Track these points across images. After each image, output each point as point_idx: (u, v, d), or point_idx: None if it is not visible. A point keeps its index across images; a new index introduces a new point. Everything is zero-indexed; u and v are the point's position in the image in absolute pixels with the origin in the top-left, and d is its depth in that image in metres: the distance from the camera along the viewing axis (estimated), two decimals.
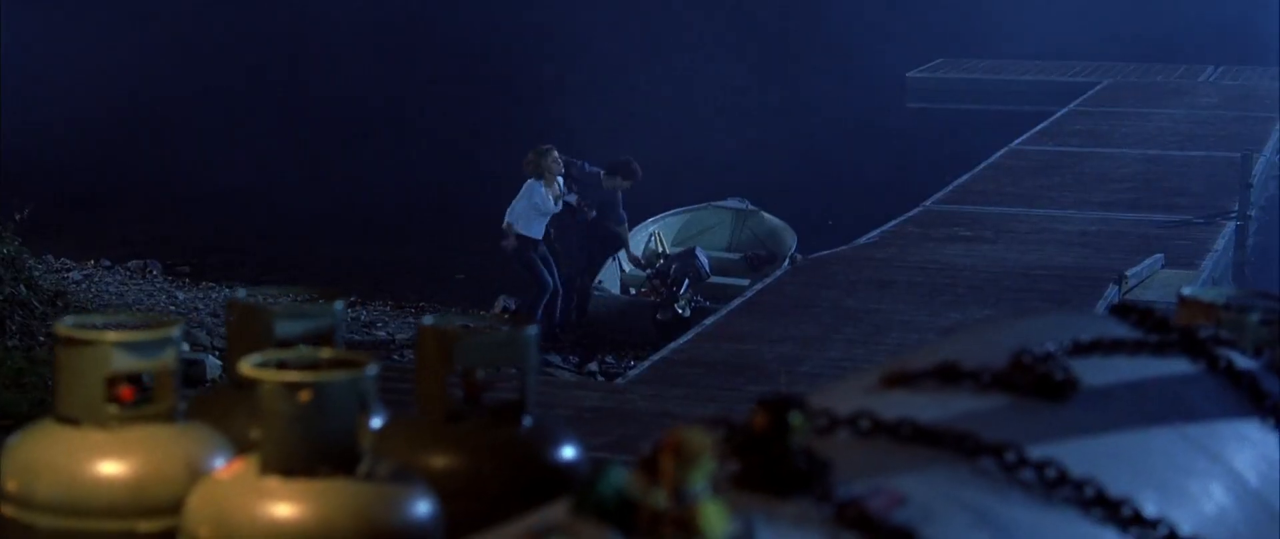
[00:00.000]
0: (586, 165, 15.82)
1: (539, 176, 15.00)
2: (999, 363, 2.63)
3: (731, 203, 18.43)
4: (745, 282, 16.23)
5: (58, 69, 32.90)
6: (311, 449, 2.28)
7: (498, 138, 24.35)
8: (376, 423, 2.58)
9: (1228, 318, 3.60)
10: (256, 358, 2.34)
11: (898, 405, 2.44)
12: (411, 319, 15.53)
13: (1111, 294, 14.18)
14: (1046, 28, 38.43)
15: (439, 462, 2.64)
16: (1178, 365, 3.03)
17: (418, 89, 34.20)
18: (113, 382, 2.39)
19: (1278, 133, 24.19)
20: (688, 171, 21.38)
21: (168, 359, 2.45)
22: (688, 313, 15.16)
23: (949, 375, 2.59)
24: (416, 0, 42.59)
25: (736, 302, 14.13)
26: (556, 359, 14.10)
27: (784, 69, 36.24)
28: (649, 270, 16.21)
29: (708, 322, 13.37)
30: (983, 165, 21.88)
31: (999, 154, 22.80)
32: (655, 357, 12.22)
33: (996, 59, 35.75)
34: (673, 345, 12.45)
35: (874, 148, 27.62)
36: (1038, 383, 2.61)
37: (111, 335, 2.40)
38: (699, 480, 1.75)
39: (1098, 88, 31.07)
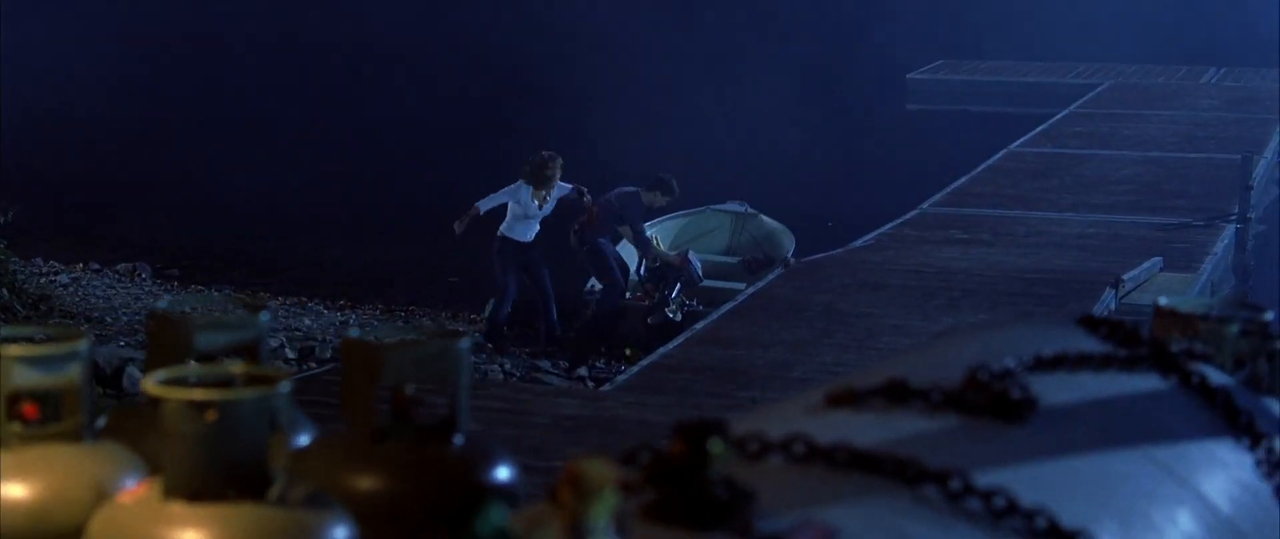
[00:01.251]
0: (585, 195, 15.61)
1: (532, 182, 14.74)
2: (952, 380, 2.50)
3: (731, 206, 18.28)
4: (741, 285, 16.08)
5: (54, 70, 32.82)
6: (218, 472, 2.15)
7: (494, 138, 24.27)
8: (305, 440, 2.44)
9: (1206, 329, 3.46)
10: (161, 374, 2.20)
11: (838, 427, 2.30)
12: (401, 323, 15.33)
13: (1108, 298, 14.03)
14: (1048, 29, 38.31)
15: (362, 483, 2.50)
16: (1148, 382, 2.89)
17: (414, 90, 34.08)
18: (14, 399, 2.26)
19: (1279, 135, 24.03)
20: (686, 173, 21.16)
21: (73, 375, 2.31)
22: (679, 317, 15.02)
23: (897, 394, 2.45)
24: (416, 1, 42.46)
25: (727, 306, 13.99)
26: (546, 364, 13.96)
27: (782, 70, 36.04)
28: (642, 274, 16.07)
29: (698, 326, 13.23)
30: (981, 167, 21.73)
31: (997, 156, 22.66)
32: (644, 362, 12.07)
33: (998, 61, 35.58)
34: (662, 350, 12.31)
35: (873, 150, 27.50)
36: (992, 402, 2.47)
37: (13, 350, 2.26)
38: (600, 515, 1.62)
39: (1099, 89, 30.92)
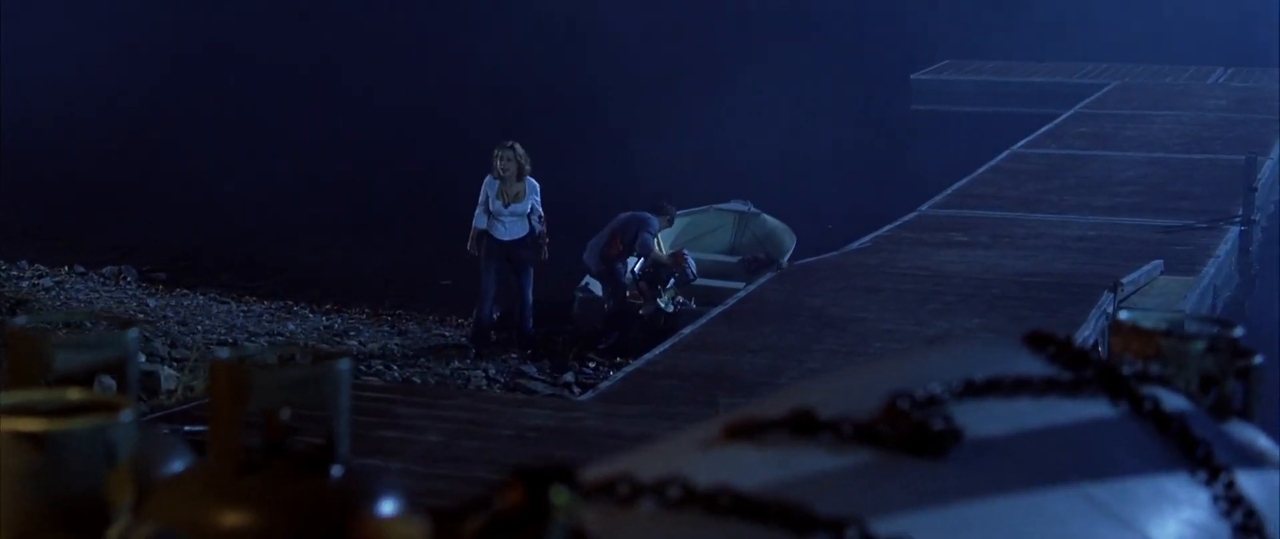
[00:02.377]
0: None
1: (494, 174, 14.27)
2: (870, 409, 2.21)
3: (734, 205, 17.99)
4: (739, 285, 15.81)
5: (44, 74, 32.68)
6: (49, 509, 1.89)
7: (493, 139, 23.94)
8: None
9: (1167, 347, 3.16)
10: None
11: (729, 466, 2.01)
12: (387, 327, 15.13)
13: (1106, 301, 13.72)
14: (1056, 30, 38.06)
15: (224, 519, 2.24)
16: (1094, 409, 2.59)
17: (412, 92, 33.88)
18: None
19: None
20: (691, 173, 20.96)
21: None
22: (671, 309, 14.72)
23: (803, 426, 2.16)
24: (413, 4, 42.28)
25: (716, 310, 13.69)
26: (531, 370, 13.67)
27: (787, 71, 35.79)
28: (635, 273, 15.77)
29: (686, 331, 12.93)
30: (982, 169, 21.46)
31: (1000, 157, 22.38)
32: (628, 368, 11.79)
33: (1004, 61, 35.30)
34: (647, 356, 12.02)
35: (877, 151, 27.26)
36: (909, 435, 2.18)
37: None
38: None
39: (1105, 89, 30.64)
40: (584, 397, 11.44)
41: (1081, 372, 2.66)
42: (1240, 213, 17.96)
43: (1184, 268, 15.47)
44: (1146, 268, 15.10)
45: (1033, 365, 2.68)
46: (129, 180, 23.58)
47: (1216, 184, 19.78)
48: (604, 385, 11.34)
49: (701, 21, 41.21)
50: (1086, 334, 12.77)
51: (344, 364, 2.52)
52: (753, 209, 17.88)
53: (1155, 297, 14.59)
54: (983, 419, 2.27)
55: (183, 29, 39.41)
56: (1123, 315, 3.37)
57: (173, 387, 10.84)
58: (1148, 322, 3.40)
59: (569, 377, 13.42)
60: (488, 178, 14.36)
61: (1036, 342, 2.77)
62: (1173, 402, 2.66)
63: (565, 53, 38.12)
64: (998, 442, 2.26)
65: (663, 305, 14.84)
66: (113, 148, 26.26)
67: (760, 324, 12.91)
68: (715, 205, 17.97)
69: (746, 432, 2.17)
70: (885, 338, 12.43)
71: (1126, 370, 2.73)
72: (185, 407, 7.66)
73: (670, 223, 15.79)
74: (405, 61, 36.93)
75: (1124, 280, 14.24)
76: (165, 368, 11.23)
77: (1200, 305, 14.90)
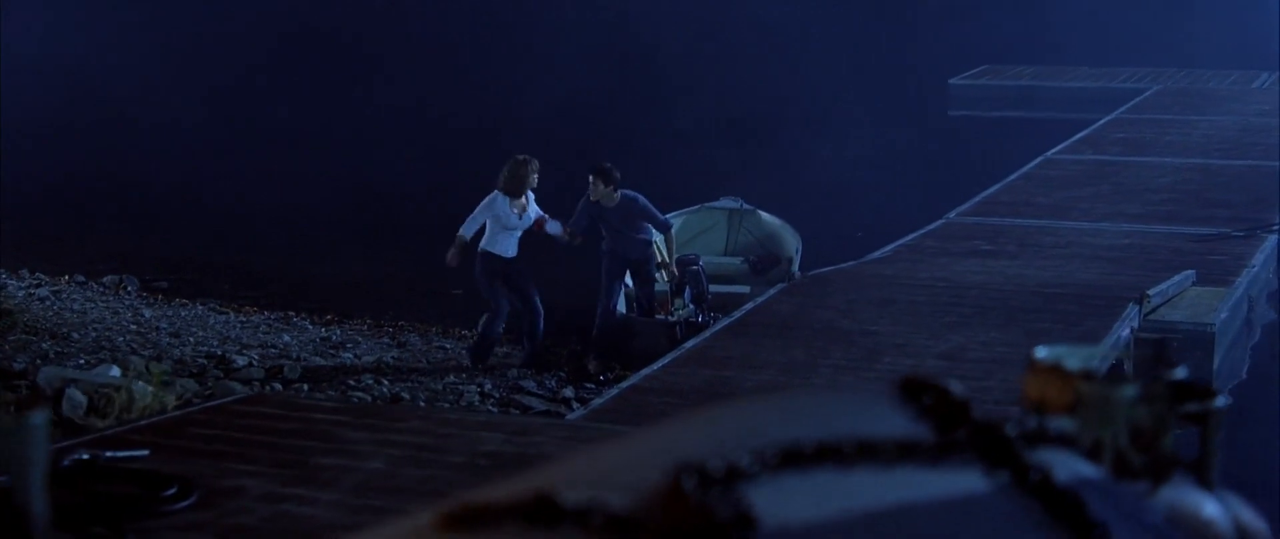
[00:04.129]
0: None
1: (508, 191, 13.80)
2: (646, 488, 1.73)
3: (725, 202, 17.26)
4: (746, 289, 15.23)
5: (53, 78, 32.53)
6: None
7: (504, 145, 23.53)
8: None
9: (1089, 394, 2.63)
10: None
11: None
12: (387, 340, 14.65)
13: (1131, 314, 13.13)
14: (1096, 34, 37.41)
15: None
16: (963, 481, 2.06)
17: (419, 94, 33.56)
18: None
19: None
20: (715, 179, 20.38)
21: None
22: (699, 318, 14.11)
23: (542, 515, 1.68)
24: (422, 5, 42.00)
25: (722, 322, 13.14)
26: (530, 384, 13.17)
27: (819, 76, 35.26)
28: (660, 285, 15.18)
29: (689, 345, 12.39)
30: (1014, 175, 20.86)
31: (1032, 164, 21.77)
32: (624, 383, 11.26)
33: (1044, 66, 34.64)
34: (646, 371, 11.48)
35: (912, 158, 26.73)
36: (681, 526, 1.70)
37: None
38: None
39: (1145, 94, 29.94)
40: (574, 414, 10.94)
41: (950, 433, 2.14)
42: (1278, 221, 17.32)
43: (1216, 278, 14.83)
44: (1177, 278, 14.49)
45: (894, 423, 2.17)
46: (129, 190, 23.25)
47: (1257, 191, 19.14)
48: (596, 402, 10.83)
49: (729, 20, 40.70)
50: (1108, 349, 12.18)
51: (39, 419, 2.12)
52: (745, 206, 17.21)
53: (1185, 308, 13.98)
54: (803, 499, 1.78)
55: (185, 31, 39.17)
56: (1038, 353, 2.79)
57: (146, 402, 10.39)
58: (1076, 360, 2.85)
59: (569, 392, 12.92)
60: (496, 195, 13.84)
61: (911, 390, 2.25)
62: (1070, 470, 2.16)
63: (581, 55, 37.66)
64: (816, 532, 1.79)
65: (690, 313, 14.27)
66: (110, 158, 25.95)
67: (766, 337, 12.36)
68: (705, 203, 17.29)
69: (467, 523, 1.70)
70: (897, 352, 11.87)
71: (1012, 430, 2.21)
72: (124, 428, 7.20)
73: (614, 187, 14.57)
74: (405, 70, 36.60)
75: (1151, 291, 13.64)
76: (138, 383, 10.78)
77: (1233, 317, 14.29)
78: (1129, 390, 2.64)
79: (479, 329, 14.16)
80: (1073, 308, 13.24)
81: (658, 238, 15.86)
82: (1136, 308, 13.27)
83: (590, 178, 14.31)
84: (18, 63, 28.09)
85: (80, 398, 10.28)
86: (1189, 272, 14.85)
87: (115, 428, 7.34)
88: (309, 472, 6.27)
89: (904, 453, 1.92)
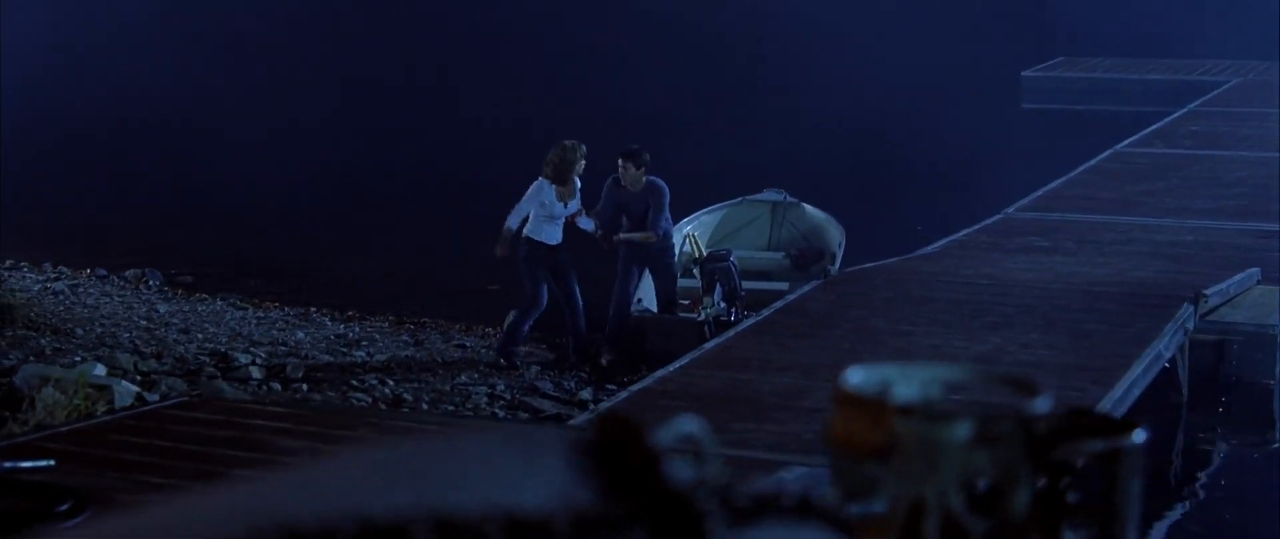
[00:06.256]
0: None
1: (556, 178, 13.33)
2: None
3: (768, 195, 16.55)
4: (785, 285, 14.50)
5: (69, 74, 32.38)
6: None
7: (540, 135, 23.02)
8: None
9: (906, 434, 1.99)
10: None
11: None
12: (406, 337, 14.06)
13: (1186, 315, 12.33)
14: (1176, 25, 36.43)
15: None
16: None
17: (453, 82, 33.10)
18: None
19: None
20: (784, 170, 19.67)
21: None
22: (732, 316, 13.44)
23: None
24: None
25: (747, 321, 12.45)
26: (546, 386, 12.54)
27: (892, 67, 34.48)
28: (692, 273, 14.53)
29: (709, 345, 11.71)
30: (1079, 169, 20.03)
31: (1099, 157, 20.94)
32: (635, 386, 10.61)
33: (1120, 57, 33.71)
34: (661, 372, 10.81)
35: (982, 151, 25.95)
36: None
37: None
38: None
39: (1225, 87, 28.98)
40: (578, 419, 10.32)
41: (620, 501, 1.55)
42: None
43: None
44: (1239, 276, 13.66)
45: (534, 484, 1.57)
46: (154, 183, 22.90)
47: None
48: (603, 406, 10.20)
49: (795, 11, 40.00)
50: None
51: None
52: (789, 198, 16.49)
53: (1247, 308, 13.17)
54: None
55: (208, 20, 38.93)
56: (847, 378, 2.14)
57: (127, 403, 9.84)
58: (906, 392, 2.23)
59: (587, 393, 12.29)
60: (542, 181, 13.39)
61: (609, 434, 1.66)
62: None
63: (644, 45, 37.09)
64: None
65: (720, 310, 13.60)
66: (136, 150, 25.66)
67: (793, 337, 11.66)
68: (747, 196, 16.60)
69: None
70: (929, 354, 11.12)
71: (708, 502, 1.59)
72: (41, 434, 6.63)
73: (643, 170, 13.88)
74: (445, 56, 36.18)
75: (1208, 291, 12.82)
76: (121, 383, 10.24)
77: None
78: (962, 429, 1.97)
79: (506, 325, 13.61)
80: (1122, 307, 12.45)
81: (686, 227, 15.23)
82: (1192, 308, 12.48)
83: (619, 162, 13.76)
84: (54, 58, 27.98)
85: (57, 397, 9.74)
86: (1253, 269, 14.01)
87: (30, 435, 6.78)
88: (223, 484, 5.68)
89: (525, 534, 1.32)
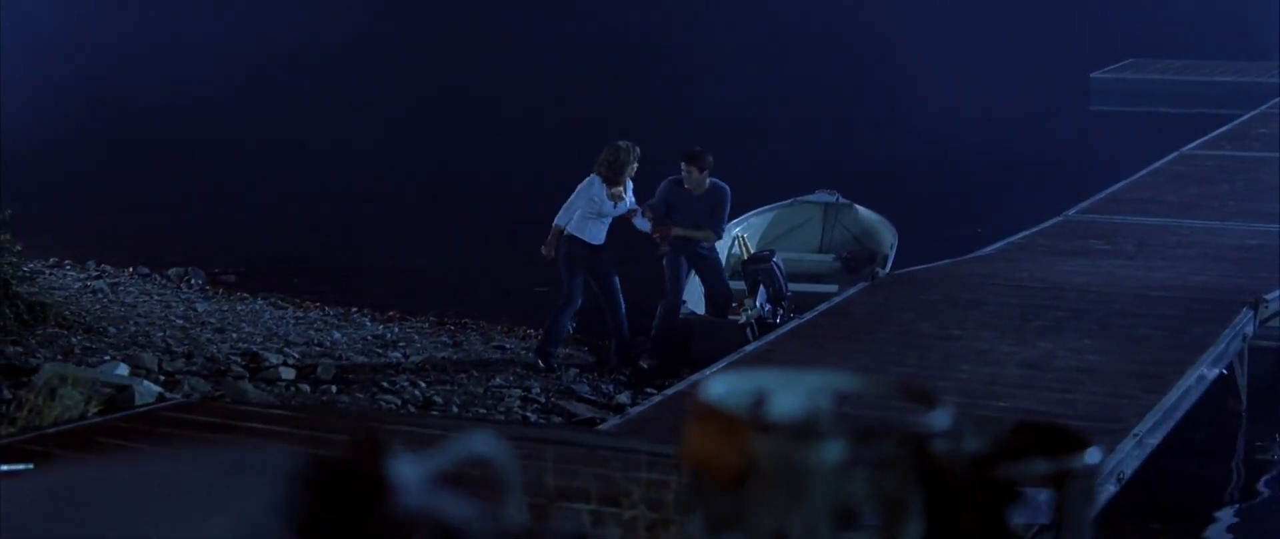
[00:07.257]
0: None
1: (608, 177, 13.05)
2: None
3: (820, 196, 16.23)
4: (834, 288, 14.18)
5: (120, 71, 32.41)
6: None
7: (591, 136, 22.77)
8: None
9: (768, 452, 1.64)
10: None
11: None
12: (445, 337, 13.80)
13: (1244, 320, 11.91)
14: (1250, 25, 35.78)
15: None
16: None
17: (501, 85, 32.88)
18: None
19: None
20: (846, 175, 19.34)
21: None
22: (775, 318, 13.13)
23: None
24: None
25: (789, 325, 12.12)
26: (584, 389, 12.25)
27: (959, 69, 34.05)
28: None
29: (748, 348, 11.39)
30: (1144, 171, 19.56)
31: (1165, 159, 20.45)
32: (669, 391, 10.31)
33: (1190, 59, 33.10)
34: (694, 377, 10.51)
35: (1048, 153, 25.53)
36: None
37: None
38: None
39: None
40: (609, 423, 10.01)
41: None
42: None
43: None
44: None
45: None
46: (202, 182, 22.78)
47: None
48: (634, 411, 9.90)
49: (864, 14, 39.64)
50: (1217, 358, 10.99)
51: None
52: (842, 200, 16.16)
53: None
54: None
55: (251, 21, 38.89)
56: (708, 387, 1.80)
57: (148, 402, 9.62)
58: (787, 411, 1.84)
59: (624, 397, 11.99)
60: (594, 179, 13.12)
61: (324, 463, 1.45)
62: None
63: (700, 45, 36.77)
64: None
65: (763, 310, 13.30)
66: (185, 149, 25.58)
67: (836, 341, 11.33)
68: (799, 197, 16.28)
69: None
70: (976, 360, 10.78)
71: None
72: (28, 436, 6.40)
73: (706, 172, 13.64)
74: (485, 56, 35.98)
75: (1270, 295, 12.40)
76: (143, 382, 10.02)
77: None
78: (832, 449, 1.67)
79: (547, 325, 13.36)
80: (1178, 312, 12.04)
81: (735, 229, 14.92)
82: (1252, 313, 12.05)
83: (682, 165, 13.50)
84: (100, 56, 27.98)
85: (76, 398, 9.52)
86: None
87: (14, 437, 6.55)
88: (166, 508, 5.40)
89: None
